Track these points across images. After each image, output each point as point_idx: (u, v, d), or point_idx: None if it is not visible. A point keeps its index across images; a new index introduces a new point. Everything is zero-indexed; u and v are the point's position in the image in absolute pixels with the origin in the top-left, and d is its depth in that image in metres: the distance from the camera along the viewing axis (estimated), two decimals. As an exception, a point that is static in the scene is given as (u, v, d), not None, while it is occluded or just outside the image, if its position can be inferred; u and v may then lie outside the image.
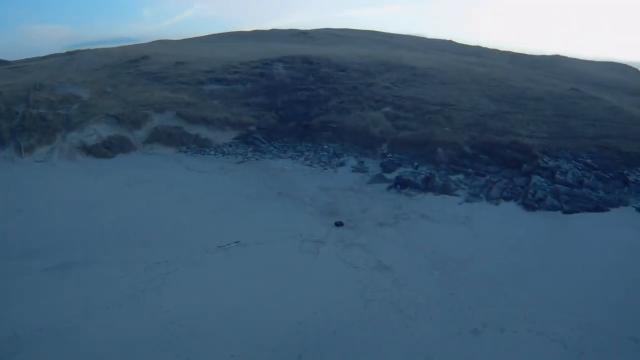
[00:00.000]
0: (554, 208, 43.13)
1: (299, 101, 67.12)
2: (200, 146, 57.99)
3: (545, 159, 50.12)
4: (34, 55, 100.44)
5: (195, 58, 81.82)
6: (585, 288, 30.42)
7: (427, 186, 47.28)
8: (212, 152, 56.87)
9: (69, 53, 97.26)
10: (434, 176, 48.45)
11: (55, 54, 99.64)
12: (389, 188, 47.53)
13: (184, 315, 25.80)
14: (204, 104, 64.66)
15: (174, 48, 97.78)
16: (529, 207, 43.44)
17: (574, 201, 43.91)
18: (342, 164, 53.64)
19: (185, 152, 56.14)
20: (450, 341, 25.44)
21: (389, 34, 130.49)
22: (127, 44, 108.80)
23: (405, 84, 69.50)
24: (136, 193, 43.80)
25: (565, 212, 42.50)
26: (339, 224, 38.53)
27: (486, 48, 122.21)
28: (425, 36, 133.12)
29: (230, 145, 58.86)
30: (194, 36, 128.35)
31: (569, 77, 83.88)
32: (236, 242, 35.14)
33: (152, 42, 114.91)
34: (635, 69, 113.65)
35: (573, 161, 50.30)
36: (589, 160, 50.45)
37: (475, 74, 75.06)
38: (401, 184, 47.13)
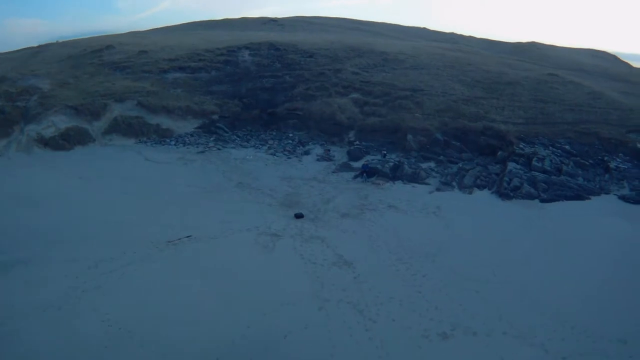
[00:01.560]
0: (530, 197, 40.77)
1: (264, 88, 63.96)
2: (161, 136, 54.98)
3: (521, 146, 47.92)
4: (7, 50, 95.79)
5: (160, 47, 78.23)
6: (567, 285, 27.78)
7: (395, 174, 44.61)
8: (172, 142, 53.87)
9: (40, 46, 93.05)
10: (403, 164, 45.77)
11: (27, 47, 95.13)
12: (355, 177, 44.79)
13: (124, 317, 23.63)
14: (166, 93, 61.44)
15: (140, 38, 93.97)
16: (504, 196, 40.99)
17: (553, 189, 41.65)
18: (307, 153, 50.92)
19: (145, 142, 53.34)
20: (415, 346, 22.55)
21: (362, 21, 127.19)
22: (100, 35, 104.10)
23: (374, 69, 66.60)
24: (89, 186, 40.63)
25: (543, 201, 40.28)
26: (299, 216, 35.60)
27: (462, 35, 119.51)
28: (400, 24, 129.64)
29: (191, 135, 55.87)
30: (163, 26, 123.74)
31: (547, 63, 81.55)
32: (187, 237, 32.19)
33: (121, 33, 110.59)
34: (614, 56, 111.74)
35: (551, 147, 48.21)
36: (567, 147, 48.44)
37: (449, 59, 72.39)
38: (368, 173, 44.32)
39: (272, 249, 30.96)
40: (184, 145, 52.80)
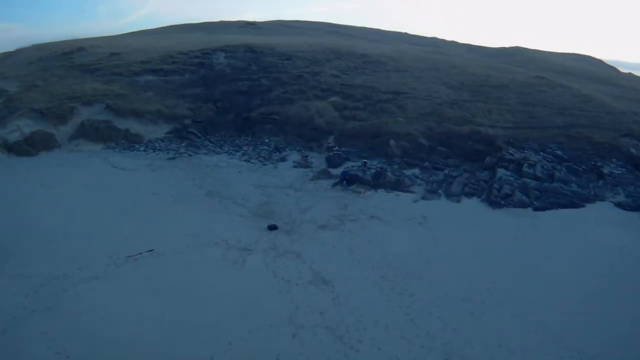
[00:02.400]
0: (523, 205, 38.31)
1: (239, 92, 60.65)
2: (131, 142, 51.65)
3: (510, 151, 45.40)
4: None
5: (133, 49, 74.51)
6: (567, 302, 25.38)
7: (377, 182, 41.71)
8: (142, 148, 50.53)
9: (16, 50, 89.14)
10: (386, 171, 42.86)
11: (3, 52, 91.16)
12: (334, 185, 41.76)
13: (73, 344, 21.01)
14: (137, 96, 58.02)
15: (114, 40, 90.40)
16: (494, 204, 38.44)
17: (545, 197, 39.24)
18: (283, 159, 47.88)
19: (114, 148, 49.78)
20: (404, 381, 19.18)
21: (342, 25, 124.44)
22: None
23: (355, 72, 63.72)
24: (49, 195, 37.29)
25: (536, 209, 37.90)
26: (272, 228, 32.48)
27: (444, 40, 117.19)
28: (381, 28, 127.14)
29: (162, 141, 52.63)
30: (139, 30, 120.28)
31: (532, 66, 79.12)
32: (149, 251, 29.02)
33: (96, 37, 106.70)
34: (599, 60, 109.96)
35: (541, 153, 45.73)
36: (559, 152, 45.96)
37: (433, 61, 69.84)
38: (348, 180, 41.34)
39: (242, 266, 27.91)
40: (153, 151, 49.56)
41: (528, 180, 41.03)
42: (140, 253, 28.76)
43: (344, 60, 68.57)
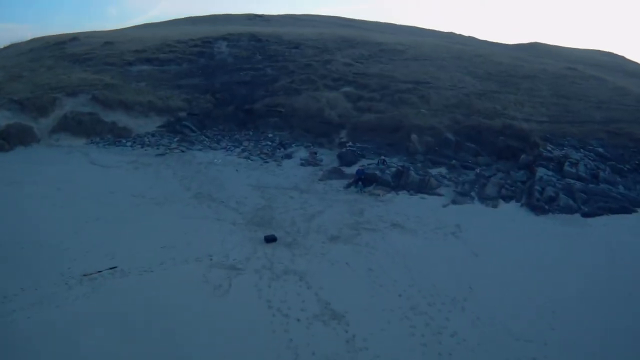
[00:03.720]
0: (569, 210, 32.43)
1: (242, 82, 55.11)
2: (117, 136, 46.57)
3: (548, 147, 39.48)
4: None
5: (128, 38, 69.64)
6: None
7: (399, 183, 35.71)
8: (128, 144, 45.20)
9: (10, 45, 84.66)
10: (409, 170, 36.80)
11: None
12: (348, 186, 35.79)
13: None
14: (127, 87, 52.88)
15: (112, 32, 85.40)
16: (537, 209, 32.46)
17: (593, 200, 33.43)
18: (288, 156, 42.10)
19: (97, 143, 44.83)
20: None
21: (356, 20, 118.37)
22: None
23: (370, 61, 57.78)
24: (13, 196, 31.45)
25: (584, 215, 31.98)
26: (270, 240, 26.27)
27: (461, 34, 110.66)
28: (395, 23, 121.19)
29: (153, 135, 47.30)
30: (142, 24, 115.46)
31: (558, 59, 72.53)
32: (111, 269, 22.96)
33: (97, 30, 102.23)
34: (621, 56, 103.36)
35: (582, 150, 39.87)
36: (600, 149, 40.24)
37: (455, 50, 63.95)
38: (364, 181, 35.25)
39: (226, 292, 21.55)
40: (141, 147, 44.04)
41: (571, 180, 35.30)
42: (100, 271, 22.75)
43: (358, 48, 62.64)
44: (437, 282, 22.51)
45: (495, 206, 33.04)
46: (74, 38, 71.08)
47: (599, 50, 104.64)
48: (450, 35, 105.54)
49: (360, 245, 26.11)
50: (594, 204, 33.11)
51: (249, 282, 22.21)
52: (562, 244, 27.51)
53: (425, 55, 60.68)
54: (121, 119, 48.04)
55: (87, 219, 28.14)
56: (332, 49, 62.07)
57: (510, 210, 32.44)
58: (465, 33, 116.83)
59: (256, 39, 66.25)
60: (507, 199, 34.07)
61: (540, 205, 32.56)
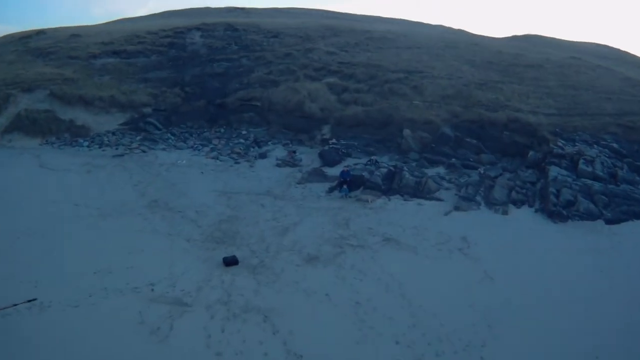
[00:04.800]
0: (591, 216, 27.50)
1: (214, 74, 49.77)
2: (75, 135, 41.33)
3: (559, 143, 34.40)
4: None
5: (97, 31, 65.06)
6: None
7: (390, 186, 30.45)
8: (85, 144, 39.96)
9: None
10: (402, 170, 31.38)
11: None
12: (331, 190, 30.45)
13: None
14: (89, 81, 47.78)
15: (83, 26, 79.99)
16: (554, 215, 27.48)
17: (615, 203, 28.58)
18: (263, 156, 36.74)
19: (53, 144, 39.84)
20: None
21: (342, 13, 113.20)
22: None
23: (356, 49, 52.58)
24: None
25: (608, 222, 27.06)
26: (230, 262, 20.78)
27: (450, 27, 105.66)
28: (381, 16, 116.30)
29: (113, 134, 41.90)
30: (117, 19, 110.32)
31: (559, 48, 67.78)
32: (30, 301, 17.77)
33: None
34: (617, 49, 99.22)
35: (595, 146, 34.98)
36: (615, 145, 35.37)
37: (449, 39, 59.30)
38: (349, 184, 29.86)
39: (166, 337, 16.12)
40: (99, 147, 38.71)
41: (588, 181, 30.33)
42: (15, 305, 17.46)
43: (343, 37, 57.51)
44: (445, 320, 17.12)
45: (505, 213, 27.90)
46: (41, 32, 66.80)
47: (594, 43, 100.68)
48: (439, 28, 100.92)
49: (344, 269, 20.61)
50: (616, 207, 28.28)
51: (196, 323, 16.79)
52: (595, 263, 22.41)
53: (418, 43, 55.69)
54: (80, 116, 42.92)
55: (20, 234, 22.96)
56: (314, 38, 56.92)
57: (524, 218, 27.37)
58: (455, 26, 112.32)
59: (232, 29, 61.26)
60: (518, 203, 29.02)
61: (557, 211, 27.60)
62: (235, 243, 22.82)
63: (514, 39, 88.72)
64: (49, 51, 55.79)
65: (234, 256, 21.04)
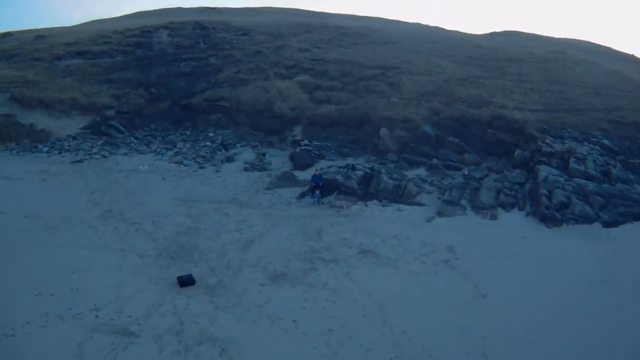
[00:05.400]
0: (587, 219, 25.44)
1: (181, 74, 47.21)
2: (35, 140, 38.80)
3: (547, 140, 32.41)
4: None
5: (63, 32, 63.19)
6: None
7: (367, 190, 28.03)
8: (45, 149, 37.18)
9: None
10: (380, 173, 28.73)
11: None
12: (302, 196, 27.85)
13: None
14: (50, 83, 45.31)
15: (51, 28, 77.29)
16: (548, 219, 25.27)
17: (612, 204, 26.65)
18: (230, 159, 34.18)
19: (12, 150, 37.08)
20: None
21: (318, 12, 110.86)
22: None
23: (329, 45, 50.19)
24: None
25: (605, 225, 25.02)
26: (185, 282, 18.15)
27: (427, 25, 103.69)
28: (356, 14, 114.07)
29: (74, 138, 39.17)
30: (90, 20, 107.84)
31: (541, 43, 65.86)
32: None
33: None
34: (600, 45, 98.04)
35: (585, 143, 33.07)
36: (606, 141, 33.60)
37: (427, 35, 56.40)
38: (322, 189, 27.13)
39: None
40: (59, 153, 35.94)
41: (581, 181, 28.29)
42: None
43: (316, 33, 55.26)
44: (434, 351, 14.52)
45: (494, 217, 25.66)
46: (7, 34, 65.12)
47: (576, 39, 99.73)
48: (416, 25, 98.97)
49: (316, 288, 17.99)
50: (614, 209, 26.34)
51: (142, 358, 14.01)
52: (599, 274, 20.24)
53: (394, 38, 53.63)
54: (40, 120, 40.61)
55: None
56: (286, 35, 54.64)
57: (515, 223, 25.09)
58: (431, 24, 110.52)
59: (201, 27, 59.11)
60: (507, 207, 26.81)
61: (551, 215, 25.42)
62: (193, 259, 20.16)
63: (493, 35, 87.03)
64: (13, 53, 53.58)
65: (190, 275, 18.40)
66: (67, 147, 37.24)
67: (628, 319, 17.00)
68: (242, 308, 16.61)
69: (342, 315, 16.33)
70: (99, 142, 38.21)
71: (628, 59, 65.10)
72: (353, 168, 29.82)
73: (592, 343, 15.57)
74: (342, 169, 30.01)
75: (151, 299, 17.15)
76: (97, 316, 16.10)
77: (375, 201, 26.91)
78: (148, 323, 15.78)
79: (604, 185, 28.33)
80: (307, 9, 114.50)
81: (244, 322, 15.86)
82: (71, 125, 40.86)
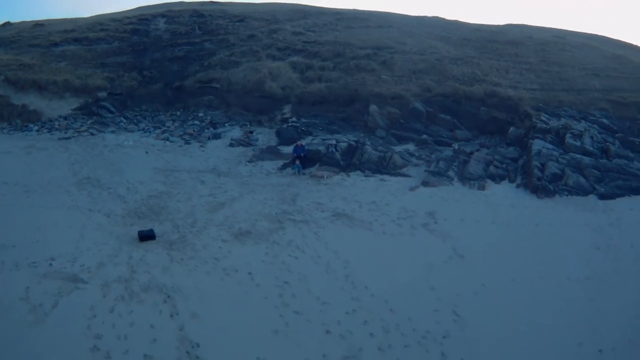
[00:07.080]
0: (582, 191, 24.88)
1: (174, 58, 46.53)
2: (26, 120, 38.53)
3: (543, 118, 31.39)
4: None
5: (61, 20, 62.97)
6: None
7: (350, 161, 27.01)
8: (35, 129, 36.88)
9: None
10: (364, 145, 27.53)
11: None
12: (283, 167, 27.08)
13: None
14: (45, 67, 44.89)
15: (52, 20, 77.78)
16: (539, 190, 24.47)
17: (609, 178, 26.05)
18: (217, 136, 33.33)
19: (3, 129, 36.73)
20: None
21: (317, 7, 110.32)
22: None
23: (324, 29, 49.45)
24: None
25: (602, 197, 24.43)
26: (145, 237, 17.46)
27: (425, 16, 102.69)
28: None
29: (65, 118, 38.91)
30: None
31: (543, 33, 64.64)
32: None
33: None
34: (600, 35, 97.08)
35: (583, 121, 31.97)
36: (605, 120, 32.54)
37: (426, 20, 55.40)
38: (303, 160, 26.33)
39: (45, 315, 13.14)
40: (49, 132, 35.63)
41: (577, 155, 27.44)
42: None
43: (311, 19, 54.35)
44: (397, 306, 13.61)
45: (482, 188, 24.73)
46: (6, 23, 64.60)
47: (575, 32, 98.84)
48: (419, 19, 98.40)
49: (279, 245, 17.16)
50: (611, 182, 25.70)
51: (84, 302, 13.68)
52: (592, 241, 19.41)
53: (390, 22, 52.74)
54: (33, 101, 40.32)
55: None
56: (281, 20, 53.83)
57: (504, 193, 24.22)
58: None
59: (198, 14, 58.51)
60: (497, 179, 25.92)
61: (543, 186, 24.60)
62: (159, 218, 19.45)
63: (499, 27, 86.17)
64: (10, 40, 53.38)
65: (151, 230, 17.77)
66: (57, 127, 36.86)
67: (622, 283, 16.16)
68: (199, 261, 15.87)
69: (303, 270, 15.55)
70: (89, 122, 37.65)
71: (630, 47, 63.81)
72: (335, 147, 28.60)
73: (580, 305, 14.68)
74: (324, 140, 29.10)
75: (107, 250, 16.61)
76: (50, 264, 15.62)
77: (358, 172, 26.03)
78: (99, 272, 15.19)
79: (602, 160, 27.50)
80: (310, 5, 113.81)
81: (197, 273, 15.11)
82: (63, 106, 40.52)
